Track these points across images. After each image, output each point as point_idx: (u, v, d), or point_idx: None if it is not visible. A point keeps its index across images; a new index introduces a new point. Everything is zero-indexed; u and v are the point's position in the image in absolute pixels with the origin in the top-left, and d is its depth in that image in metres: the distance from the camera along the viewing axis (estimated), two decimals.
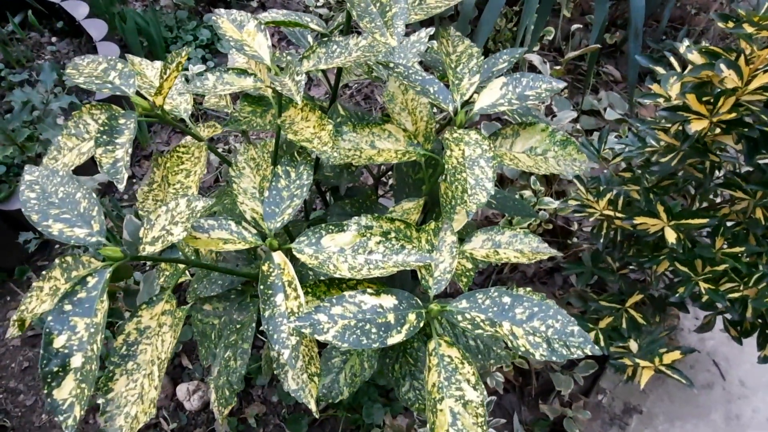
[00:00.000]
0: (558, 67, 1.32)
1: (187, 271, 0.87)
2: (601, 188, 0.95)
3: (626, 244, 0.99)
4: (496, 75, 0.87)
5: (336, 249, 0.59)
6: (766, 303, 0.77)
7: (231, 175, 0.69)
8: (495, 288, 0.55)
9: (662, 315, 1.16)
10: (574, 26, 1.65)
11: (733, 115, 0.68)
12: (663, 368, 0.90)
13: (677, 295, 0.86)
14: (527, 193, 1.34)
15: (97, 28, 1.66)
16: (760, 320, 0.91)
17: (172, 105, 0.73)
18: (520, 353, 0.51)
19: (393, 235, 0.59)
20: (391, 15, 0.58)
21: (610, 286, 1.32)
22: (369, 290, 0.54)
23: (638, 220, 0.86)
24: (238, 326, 0.78)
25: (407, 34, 0.93)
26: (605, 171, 1.04)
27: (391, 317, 0.53)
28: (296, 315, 0.53)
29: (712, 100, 0.70)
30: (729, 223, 0.89)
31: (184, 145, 0.68)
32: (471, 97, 0.73)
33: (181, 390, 1.27)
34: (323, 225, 0.60)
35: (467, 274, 0.67)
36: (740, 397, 1.21)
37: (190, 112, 0.74)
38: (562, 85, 0.73)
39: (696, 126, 0.70)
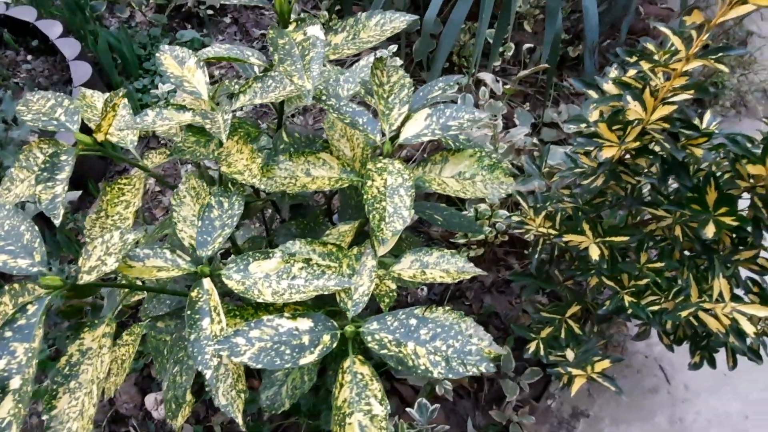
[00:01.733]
0: (508, 86, 1.37)
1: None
2: (538, 205, 1.00)
3: (563, 258, 1.04)
4: (431, 103, 0.92)
5: (262, 275, 0.64)
6: (678, 316, 0.82)
7: (172, 203, 0.74)
8: (403, 310, 0.60)
9: (607, 324, 1.22)
10: (526, 45, 1.70)
11: (638, 143, 0.73)
12: (595, 376, 0.95)
13: (604, 308, 0.91)
14: (483, 206, 1.40)
15: (70, 47, 1.71)
16: (690, 329, 0.96)
17: (119, 136, 0.78)
18: (419, 372, 0.56)
19: (315, 260, 0.64)
20: (309, 59, 0.63)
21: (568, 295, 1.37)
22: (286, 314, 0.59)
23: (567, 237, 0.91)
24: (186, 343, 0.82)
25: (363, 57, 0.98)
26: (547, 188, 1.09)
27: (305, 339, 0.58)
28: (218, 338, 0.58)
29: (621, 129, 0.76)
30: (659, 238, 0.95)
31: (127, 177, 0.73)
32: (399, 127, 0.78)
33: (149, 400, 1.32)
34: (251, 252, 0.65)
35: (390, 294, 0.71)
36: (684, 400, 1.26)
37: (135, 143, 0.78)
38: (483, 115, 0.78)
39: (606, 153, 0.75)
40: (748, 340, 0.94)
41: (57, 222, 0.59)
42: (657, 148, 0.78)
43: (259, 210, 1.08)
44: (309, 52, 0.63)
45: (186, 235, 0.71)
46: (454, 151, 0.82)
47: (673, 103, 0.69)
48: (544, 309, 1.13)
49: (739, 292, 0.98)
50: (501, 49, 1.72)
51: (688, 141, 0.77)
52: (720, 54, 0.67)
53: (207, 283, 0.63)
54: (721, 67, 0.62)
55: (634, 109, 0.72)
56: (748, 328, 0.77)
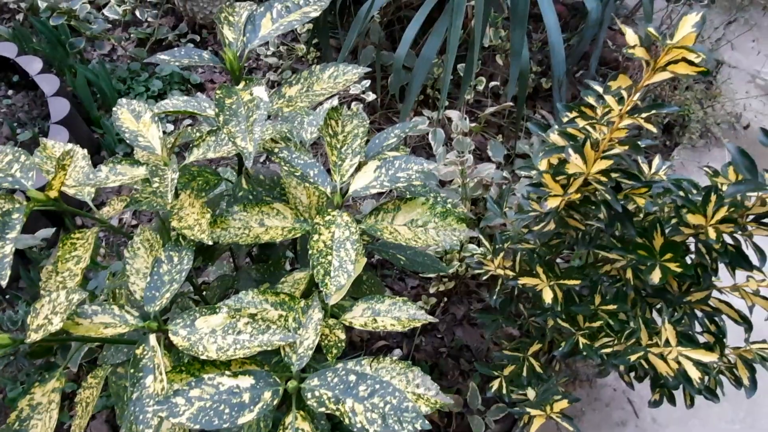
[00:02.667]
0: (473, 125, 1.40)
1: None
2: (497, 246, 1.02)
3: (524, 296, 1.06)
4: (387, 149, 0.94)
5: (208, 330, 0.65)
6: (627, 360, 0.84)
7: (126, 256, 0.75)
8: (343, 366, 0.62)
9: (573, 359, 1.23)
10: (492, 83, 1.74)
11: (579, 195, 0.76)
12: (554, 416, 0.96)
13: (560, 349, 0.93)
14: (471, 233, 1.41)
15: (49, 83, 1.73)
16: (647, 365, 0.98)
17: (77, 189, 0.80)
18: (356, 430, 0.57)
19: (262, 314, 0.66)
20: (252, 120, 0.65)
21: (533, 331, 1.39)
22: (228, 372, 0.60)
23: (522, 280, 0.93)
24: (128, 402, 0.83)
25: (322, 103, 1.00)
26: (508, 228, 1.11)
27: (246, 397, 0.59)
28: (159, 397, 0.59)
29: (566, 179, 0.78)
30: (614, 279, 0.97)
31: (81, 231, 0.74)
32: (351, 177, 0.80)
33: None
34: (197, 308, 0.66)
35: (338, 345, 0.73)
36: None
37: (93, 195, 0.80)
38: (432, 165, 0.80)
39: (551, 203, 0.78)
40: (707, 379, 0.96)
41: (3, 283, 0.60)
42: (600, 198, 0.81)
43: (223, 252, 1.09)
44: (253, 113, 0.66)
45: (138, 288, 0.72)
46: (406, 199, 0.84)
47: (609, 157, 0.72)
48: (507, 347, 1.14)
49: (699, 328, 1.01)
50: (472, 83, 1.75)
51: (631, 191, 0.80)
52: (652, 112, 0.69)
53: (153, 339, 0.64)
54: (650, 127, 0.64)
55: (574, 163, 0.74)
56: (694, 374, 0.79)
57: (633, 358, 0.83)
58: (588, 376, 1.35)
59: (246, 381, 0.60)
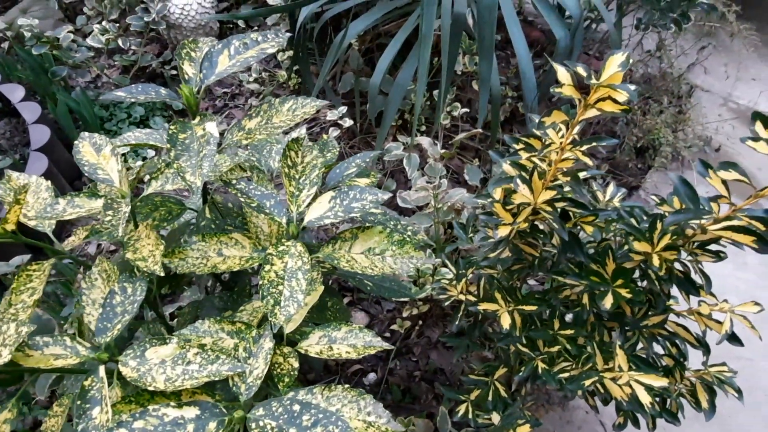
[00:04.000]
0: (443, 151, 1.43)
1: None
2: (460, 271, 1.04)
3: (489, 323, 1.07)
4: (345, 180, 0.96)
5: (158, 361, 0.66)
6: (582, 385, 0.85)
7: (83, 286, 0.76)
8: (288, 397, 0.63)
9: (538, 383, 1.24)
10: (462, 110, 1.77)
11: (527, 225, 0.78)
12: None
13: (520, 374, 0.94)
14: (434, 259, 1.43)
15: (30, 111, 1.76)
16: (603, 390, 0.99)
17: (38, 220, 0.81)
18: None
19: (210, 346, 0.67)
20: (202, 156, 0.67)
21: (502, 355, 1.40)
22: (172, 403, 0.61)
23: (482, 305, 0.94)
24: None
25: (294, 129, 1.02)
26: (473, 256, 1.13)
27: (190, 428, 0.60)
28: (103, 429, 0.60)
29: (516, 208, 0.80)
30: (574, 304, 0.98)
31: (38, 263, 0.76)
32: (307, 208, 0.82)
33: None
34: (148, 338, 0.67)
35: (290, 374, 0.74)
36: None
37: (53, 226, 0.82)
38: (386, 196, 0.82)
39: (501, 232, 0.79)
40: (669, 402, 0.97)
41: None
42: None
43: (190, 279, 1.10)
44: (203, 149, 0.68)
45: (93, 319, 0.74)
46: (363, 228, 0.86)
47: (554, 187, 0.74)
48: (476, 370, 1.15)
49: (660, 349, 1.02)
50: (448, 109, 1.79)
51: (579, 219, 0.82)
52: (592, 144, 0.71)
53: (102, 371, 0.65)
54: (586, 160, 0.67)
55: (522, 193, 0.76)
56: (645, 399, 0.80)
57: (587, 383, 0.84)
58: (560, 399, 1.36)
59: (191, 412, 0.61)
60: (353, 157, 0.98)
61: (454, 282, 1.04)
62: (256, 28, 2.25)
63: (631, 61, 0.60)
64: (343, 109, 1.71)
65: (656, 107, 1.81)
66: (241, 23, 2.23)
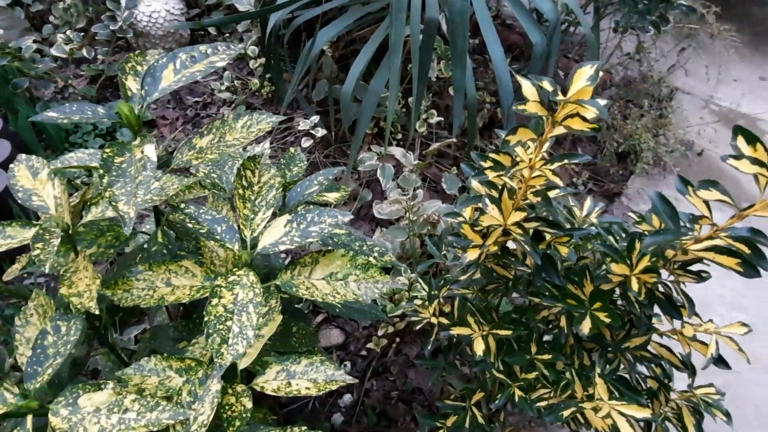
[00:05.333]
0: (416, 162, 1.38)
1: None
2: (433, 292, 0.98)
3: (460, 345, 1.02)
4: (306, 198, 0.90)
5: (92, 409, 0.60)
6: (561, 416, 0.80)
7: (17, 324, 0.70)
8: None
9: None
10: (438, 118, 1.72)
11: (496, 248, 0.72)
12: None
13: (496, 402, 0.88)
14: (402, 279, 1.38)
15: None
16: (583, 420, 0.94)
17: None
18: None
19: (149, 392, 0.61)
20: (137, 182, 0.61)
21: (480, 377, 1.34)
22: None
23: (455, 330, 0.89)
24: None
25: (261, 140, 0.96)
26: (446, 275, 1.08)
27: None
28: None
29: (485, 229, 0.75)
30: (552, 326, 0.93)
31: None
32: (261, 232, 0.76)
33: None
34: (81, 384, 0.61)
35: (242, 416, 0.68)
36: None
37: None
38: (347, 218, 0.77)
39: (470, 255, 0.74)
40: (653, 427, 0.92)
41: None
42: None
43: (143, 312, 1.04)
44: (139, 175, 0.62)
45: (26, 360, 0.67)
46: (324, 252, 0.80)
47: (524, 208, 0.69)
48: (453, 394, 1.09)
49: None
50: (424, 116, 1.74)
51: (553, 239, 0.77)
52: (564, 162, 0.66)
53: (29, 422, 0.59)
54: (557, 180, 0.62)
55: (491, 214, 0.71)
56: (626, 431, 0.75)
57: (566, 413, 0.79)
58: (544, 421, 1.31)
59: None
60: (315, 174, 0.93)
61: (426, 303, 0.99)
62: (228, 35, 2.19)
63: (600, 73, 0.55)
64: (316, 118, 1.65)
65: (637, 111, 1.77)
66: (212, 31, 2.17)
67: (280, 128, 1.95)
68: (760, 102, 2.13)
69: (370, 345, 1.43)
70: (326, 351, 1.47)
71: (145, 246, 0.90)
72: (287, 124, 1.97)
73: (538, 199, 0.67)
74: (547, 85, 0.54)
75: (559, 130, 0.56)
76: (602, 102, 0.56)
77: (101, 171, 0.62)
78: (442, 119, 1.80)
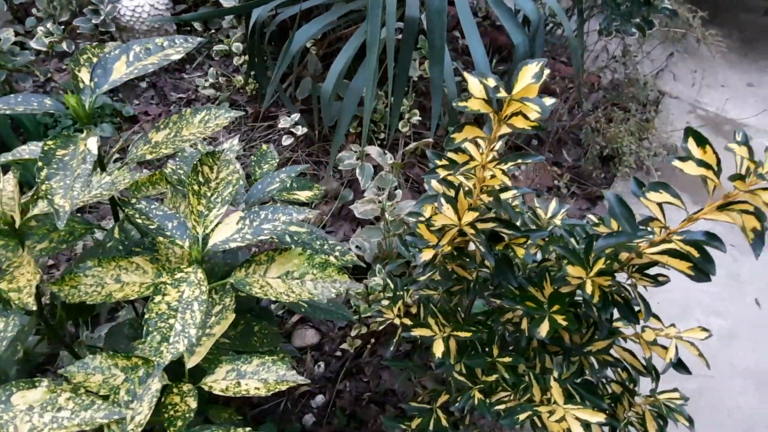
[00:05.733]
0: (392, 162, 1.36)
1: None
2: (398, 293, 0.97)
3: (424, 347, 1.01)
4: (268, 195, 0.89)
5: (24, 407, 0.59)
6: (516, 420, 0.78)
7: None
8: None
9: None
10: (418, 118, 1.71)
11: (450, 248, 0.71)
12: None
13: (457, 404, 0.87)
14: (376, 280, 1.36)
15: None
16: (540, 423, 0.92)
17: None
18: None
19: (83, 390, 0.60)
20: (76, 176, 0.60)
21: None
22: None
23: (416, 331, 0.88)
24: None
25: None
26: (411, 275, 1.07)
27: None
28: None
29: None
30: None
31: None
32: (213, 229, 0.75)
33: None
34: (15, 381, 0.60)
35: (185, 416, 0.66)
36: None
37: None
38: (302, 215, 0.75)
39: (425, 256, 0.73)
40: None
41: None
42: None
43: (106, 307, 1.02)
44: (78, 168, 0.60)
45: None
46: (281, 250, 0.79)
47: (478, 209, 0.67)
48: (420, 396, 1.08)
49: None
50: (406, 116, 1.72)
51: (510, 240, 0.75)
52: (518, 161, 0.65)
53: None
54: (505, 179, 0.60)
55: (445, 214, 0.69)
56: None
57: (522, 417, 0.78)
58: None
59: None
60: (278, 171, 0.91)
61: (386, 306, 0.98)
62: (213, 31, 2.18)
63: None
64: (296, 116, 1.64)
65: (621, 115, 1.76)
66: (198, 26, 2.16)
67: (263, 126, 1.94)
68: (747, 108, 2.12)
69: (344, 346, 1.42)
70: (301, 351, 1.45)
71: (101, 242, 0.89)
72: (271, 122, 1.96)
73: (491, 199, 0.66)
74: (491, 81, 0.53)
75: (507, 129, 0.55)
76: (549, 101, 0.55)
77: (40, 163, 0.61)
78: (427, 119, 1.79)
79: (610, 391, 0.95)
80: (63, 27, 1.92)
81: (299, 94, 1.93)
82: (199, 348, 0.73)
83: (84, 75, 0.75)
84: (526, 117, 0.52)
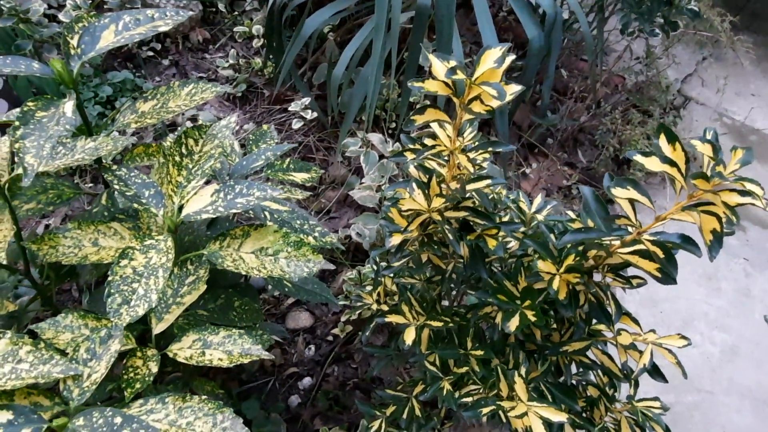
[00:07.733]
0: (391, 149, 1.36)
1: None
2: (379, 278, 0.97)
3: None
4: (252, 172, 0.90)
5: None
6: (479, 413, 0.77)
7: None
8: (111, 408, 0.57)
9: None
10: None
11: (417, 234, 0.71)
12: None
13: (424, 395, 0.87)
14: (368, 267, 1.36)
15: None
16: (504, 419, 0.91)
17: None
18: None
19: (43, 344, 0.61)
20: (47, 137, 0.61)
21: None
22: None
23: (389, 318, 0.88)
24: None
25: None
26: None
27: None
28: None
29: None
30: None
31: None
32: (189, 199, 0.76)
33: None
34: None
35: (144, 380, 0.68)
36: None
37: None
38: (276, 193, 0.76)
39: (394, 241, 0.73)
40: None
41: None
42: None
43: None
44: (51, 130, 0.62)
45: None
46: (257, 226, 0.80)
47: (443, 195, 0.67)
48: (401, 384, 1.08)
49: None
50: (418, 105, 1.71)
51: (483, 231, 0.74)
52: (489, 149, 0.64)
53: None
54: (469, 166, 0.59)
55: (413, 198, 0.69)
56: None
57: (485, 411, 0.77)
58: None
59: (2, 416, 0.56)
60: (265, 149, 0.92)
61: (365, 293, 0.98)
62: (238, 14, 2.20)
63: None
64: (306, 100, 1.64)
65: (639, 117, 1.71)
66: (222, 8, 2.18)
67: (278, 108, 1.95)
68: None
69: (335, 331, 1.42)
70: (294, 333, 1.47)
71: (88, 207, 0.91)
72: (286, 105, 1.97)
73: (458, 186, 0.65)
74: (452, 63, 0.52)
75: (470, 116, 0.54)
76: (513, 88, 0.54)
77: (17, 123, 0.63)
78: None
79: (588, 394, 0.93)
80: (91, 1, 1.96)
81: (315, 79, 1.94)
82: (166, 315, 0.74)
83: (75, 41, 0.76)
84: (482, 101, 0.51)
